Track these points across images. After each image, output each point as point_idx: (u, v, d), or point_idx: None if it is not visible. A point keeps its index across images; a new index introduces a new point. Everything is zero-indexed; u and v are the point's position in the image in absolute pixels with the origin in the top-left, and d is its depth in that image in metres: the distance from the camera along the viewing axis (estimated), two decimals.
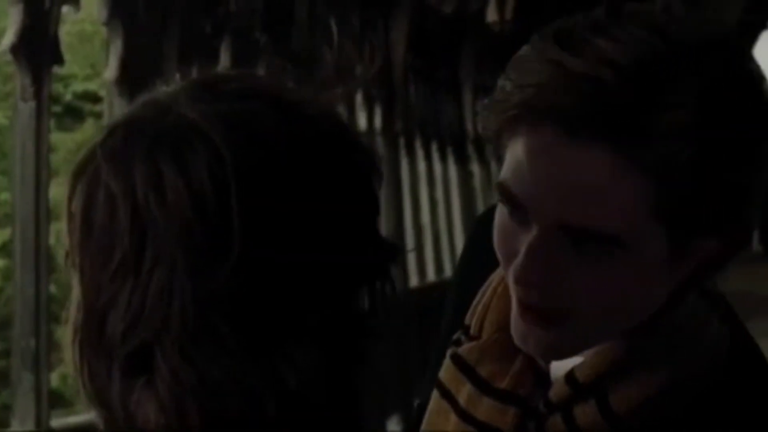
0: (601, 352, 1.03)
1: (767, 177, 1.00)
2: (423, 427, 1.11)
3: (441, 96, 9.61)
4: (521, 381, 1.06)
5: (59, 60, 4.00)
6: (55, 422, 4.19)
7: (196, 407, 0.85)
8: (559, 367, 1.05)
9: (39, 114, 3.89)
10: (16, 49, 3.87)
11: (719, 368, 1.05)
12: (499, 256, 1.02)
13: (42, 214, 3.93)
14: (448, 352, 1.11)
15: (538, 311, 1.00)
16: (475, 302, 1.12)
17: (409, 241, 8.61)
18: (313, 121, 0.89)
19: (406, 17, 8.21)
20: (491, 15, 11.20)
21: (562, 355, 1.04)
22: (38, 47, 3.90)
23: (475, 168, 10.50)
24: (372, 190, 0.91)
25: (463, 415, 1.07)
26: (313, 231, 0.85)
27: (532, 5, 11.53)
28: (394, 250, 0.91)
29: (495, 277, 1.11)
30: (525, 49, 1.00)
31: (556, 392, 1.04)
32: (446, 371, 1.10)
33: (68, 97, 11.58)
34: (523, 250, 0.98)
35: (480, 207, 10.51)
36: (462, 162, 9.94)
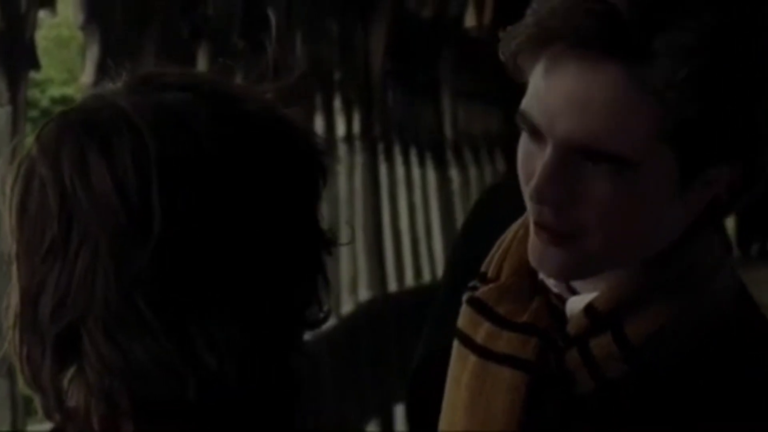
0: (619, 283, 1.07)
1: None
2: (448, 381, 1.14)
3: (419, 101, 9.63)
4: (540, 316, 1.10)
5: (36, 65, 4.00)
6: (31, 428, 4.20)
7: (122, 389, 0.89)
8: (574, 305, 1.09)
9: (15, 119, 3.89)
10: None
11: (728, 311, 1.09)
12: (521, 180, 1.08)
13: None
14: (464, 298, 1.14)
15: (552, 230, 1.05)
16: (492, 252, 1.15)
17: (388, 246, 8.61)
18: (247, 113, 0.93)
19: (384, 22, 8.22)
20: (470, 20, 11.22)
21: (575, 275, 1.08)
22: (14, 52, 3.89)
23: (454, 173, 10.52)
24: (309, 184, 0.95)
25: (482, 352, 1.11)
26: (236, 218, 0.89)
27: (511, 10, 11.57)
28: (328, 242, 0.96)
29: (515, 225, 1.15)
30: None
31: (574, 325, 1.08)
32: (463, 316, 1.14)
33: (45, 102, 11.59)
34: (539, 168, 1.03)
35: (459, 212, 10.52)
36: (440, 167, 9.96)
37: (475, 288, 1.15)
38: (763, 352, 1.10)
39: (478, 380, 1.11)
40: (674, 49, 0.97)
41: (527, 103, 1.07)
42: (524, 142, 1.08)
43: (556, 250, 1.05)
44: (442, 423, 1.16)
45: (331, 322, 7.35)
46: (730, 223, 14.24)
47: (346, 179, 7.91)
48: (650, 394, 1.07)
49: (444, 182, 10.07)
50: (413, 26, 9.23)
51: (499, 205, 1.25)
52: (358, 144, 8.02)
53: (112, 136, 0.89)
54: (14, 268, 0.93)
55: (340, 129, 7.76)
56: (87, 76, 4.27)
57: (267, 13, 6.08)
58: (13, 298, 0.94)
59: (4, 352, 0.90)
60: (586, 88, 1.00)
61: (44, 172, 0.91)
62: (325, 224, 0.97)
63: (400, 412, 8.48)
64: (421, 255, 9.42)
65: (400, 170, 9.08)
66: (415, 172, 9.45)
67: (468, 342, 1.13)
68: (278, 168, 0.93)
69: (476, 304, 1.13)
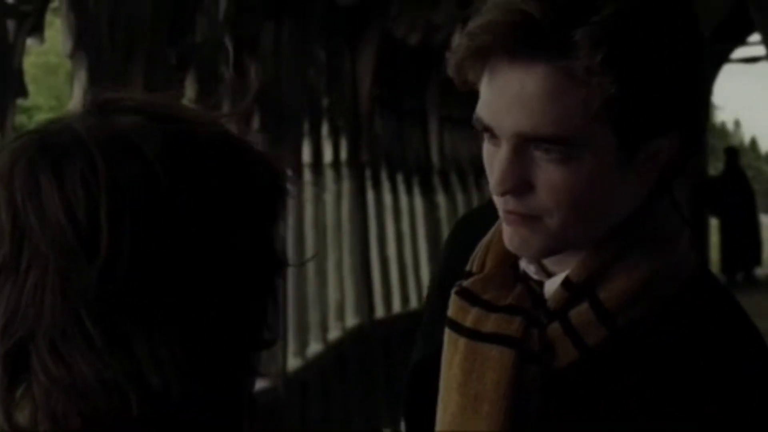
0: (589, 255, 1.19)
1: (692, 76, 1.19)
2: (443, 366, 1.24)
3: (407, 127, 9.65)
4: (522, 299, 1.21)
5: (23, 92, 3.99)
6: None
7: (68, 406, 0.90)
8: (551, 285, 1.21)
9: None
10: None
11: (692, 275, 1.21)
12: (489, 178, 1.20)
13: None
14: (453, 291, 1.25)
15: (518, 213, 1.17)
16: (475, 251, 1.28)
17: (375, 272, 8.61)
18: (200, 138, 0.94)
19: (372, 49, 8.24)
20: None
21: (544, 252, 1.20)
22: (2, 79, 3.88)
23: (441, 199, 10.53)
24: (262, 207, 0.95)
25: (471, 334, 1.22)
26: (185, 240, 0.90)
27: None
28: (281, 264, 0.97)
29: (494, 227, 1.27)
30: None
31: (553, 300, 1.20)
32: (452, 306, 1.24)
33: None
34: (496, 164, 1.17)
35: (445, 237, 10.55)
36: (428, 193, 9.97)
37: (461, 285, 1.25)
38: (727, 310, 1.21)
39: (469, 360, 1.21)
40: (586, 40, 1.12)
41: (479, 109, 1.19)
42: (486, 147, 1.20)
43: (524, 231, 1.18)
44: (439, 405, 1.25)
45: (319, 348, 7.34)
46: (714, 251, 14.14)
47: (333, 206, 7.91)
48: (627, 356, 1.17)
49: (431, 209, 10.08)
50: (400, 53, 9.26)
51: (477, 222, 1.36)
52: (345, 170, 8.02)
53: (63, 159, 0.91)
54: None
55: (328, 155, 7.77)
56: (75, 103, 4.26)
57: (255, 41, 6.10)
58: None
59: None
60: (522, 87, 1.14)
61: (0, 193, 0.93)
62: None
63: None
64: (408, 281, 9.42)
65: (387, 197, 9.09)
66: (403, 198, 9.46)
67: (457, 328, 1.23)
68: (229, 191, 0.93)
69: (464, 294, 1.23)
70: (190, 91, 5.16)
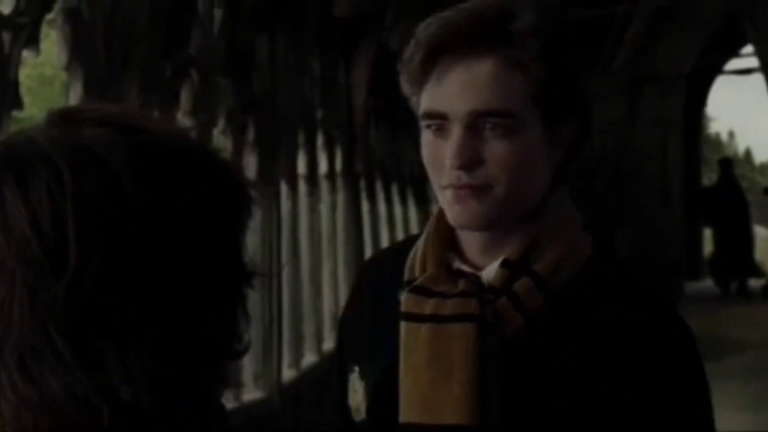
0: (519, 240, 1.44)
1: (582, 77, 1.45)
2: (401, 363, 1.44)
3: (401, 138, 9.66)
4: (469, 287, 1.43)
5: (19, 104, 3.97)
6: None
7: (37, 422, 0.88)
8: (487, 273, 1.45)
9: None
10: None
11: (592, 254, 1.47)
12: (429, 170, 1.43)
13: None
14: (404, 292, 1.45)
15: (470, 186, 1.39)
16: (409, 261, 1.50)
17: None
18: (166, 148, 0.93)
19: (367, 60, 8.26)
20: None
21: (487, 223, 1.42)
22: None
23: (436, 210, 10.55)
24: (229, 217, 0.95)
25: (432, 319, 1.42)
26: (154, 252, 0.89)
27: None
28: (249, 274, 0.96)
29: (420, 241, 1.51)
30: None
31: (497, 279, 1.43)
32: (407, 302, 1.45)
33: None
34: (451, 143, 1.38)
35: None
36: (422, 204, 9.97)
37: (405, 288, 1.47)
38: (629, 277, 1.49)
39: (434, 339, 1.41)
40: (523, 34, 1.39)
41: (431, 103, 1.41)
42: (428, 141, 1.43)
43: (473, 202, 1.39)
44: (404, 385, 1.43)
45: (314, 359, 7.31)
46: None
47: (328, 216, 7.91)
48: (560, 318, 1.42)
49: (426, 219, 10.09)
50: (395, 65, 9.27)
51: (377, 270, 1.61)
52: (340, 181, 8.03)
53: (28, 170, 0.89)
54: None
55: (323, 166, 7.78)
56: None
57: (250, 52, 6.11)
58: None
59: None
60: (476, 74, 1.38)
61: None
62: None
63: None
64: None
65: (382, 207, 9.09)
66: (397, 209, 9.47)
67: (417, 317, 1.43)
68: (196, 202, 0.93)
69: (418, 290, 1.44)
70: (185, 103, 5.16)
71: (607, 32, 11.90)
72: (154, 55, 4.74)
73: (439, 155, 1.42)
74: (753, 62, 12.63)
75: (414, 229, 9.72)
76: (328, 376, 7.62)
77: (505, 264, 1.43)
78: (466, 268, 1.46)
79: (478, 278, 1.45)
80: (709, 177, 18.55)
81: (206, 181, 0.94)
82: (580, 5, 10.29)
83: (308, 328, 7.31)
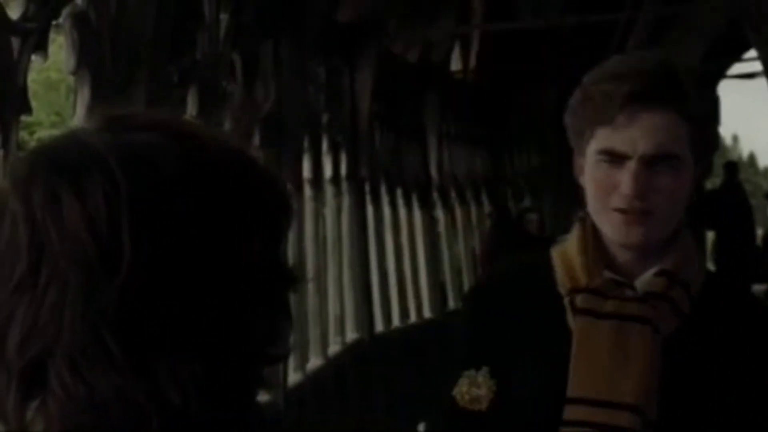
0: (670, 256, 1.76)
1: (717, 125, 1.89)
2: (576, 347, 1.73)
3: (405, 143, 9.69)
4: (637, 295, 1.75)
5: (27, 109, 4.01)
6: None
7: (84, 423, 0.89)
8: (644, 282, 1.76)
9: (7, 162, 3.90)
10: None
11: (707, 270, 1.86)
12: (596, 193, 1.74)
13: None
14: (581, 294, 1.75)
15: (638, 212, 1.71)
16: (561, 275, 1.79)
17: (374, 287, 8.64)
18: (212, 155, 0.94)
19: (371, 66, 8.29)
20: (455, 64, 11.33)
21: (648, 242, 1.73)
22: (7, 96, 3.92)
23: (440, 214, 10.57)
24: (272, 224, 0.96)
25: (614, 316, 1.73)
26: (204, 255, 0.90)
27: (495, 55, 11.67)
28: (291, 280, 0.97)
29: (573, 251, 1.80)
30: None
31: (656, 285, 1.75)
32: (585, 301, 1.75)
33: (33, 144, 11.57)
34: (628, 176, 1.70)
35: (444, 251, 10.56)
36: (426, 208, 10.00)
37: (587, 288, 1.77)
38: (740, 288, 1.93)
39: (616, 333, 1.73)
40: (694, 95, 1.73)
41: (608, 145, 1.72)
42: (601, 170, 1.74)
43: (639, 225, 1.72)
44: (578, 368, 1.73)
45: (319, 362, 7.35)
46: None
47: (333, 220, 7.94)
48: (699, 320, 1.76)
49: (430, 223, 10.11)
50: (399, 70, 9.31)
51: (498, 288, 1.89)
52: (345, 185, 8.06)
53: (84, 175, 0.90)
54: None
55: (328, 171, 7.81)
56: (78, 119, 4.30)
57: (257, 58, 6.15)
58: None
59: None
60: (655, 121, 1.71)
61: (16, 208, 0.91)
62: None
63: None
64: (407, 295, 9.45)
65: (386, 211, 9.12)
66: (402, 213, 9.49)
67: (594, 314, 1.74)
68: (240, 208, 0.94)
69: (595, 291, 1.75)
70: (191, 108, 5.20)
71: (610, 38, 11.92)
72: (161, 60, 4.78)
73: (611, 182, 1.72)
74: (756, 66, 12.64)
75: (418, 233, 9.74)
76: (332, 379, 7.66)
77: (662, 273, 1.75)
78: (619, 278, 1.77)
79: (633, 286, 1.76)
80: (711, 181, 18.53)
81: (250, 187, 0.95)
82: (583, 11, 10.33)
83: (313, 332, 7.35)
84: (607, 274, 1.75)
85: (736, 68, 15.83)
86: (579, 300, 1.75)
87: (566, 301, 1.77)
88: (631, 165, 1.70)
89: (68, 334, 0.88)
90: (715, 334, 1.77)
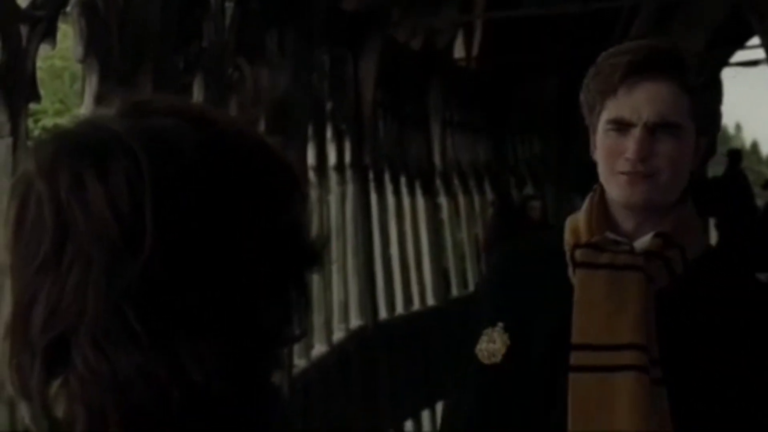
0: (669, 220, 1.89)
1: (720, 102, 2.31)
2: (576, 297, 1.87)
3: (409, 131, 9.71)
4: (632, 249, 1.87)
5: (36, 97, 4.04)
6: None
7: (106, 400, 0.91)
8: (640, 243, 1.88)
9: (16, 150, 3.93)
10: None
11: (707, 242, 1.99)
12: (605, 159, 1.88)
13: None
14: (580, 248, 1.89)
15: (642, 174, 1.85)
16: (567, 234, 1.93)
17: (378, 274, 8.67)
18: (230, 139, 0.97)
19: (374, 54, 8.32)
20: (458, 52, 11.34)
21: (651, 202, 1.87)
22: (15, 84, 3.95)
23: (443, 201, 10.60)
24: (289, 205, 0.98)
25: (608, 266, 1.87)
26: (222, 236, 0.93)
27: (498, 43, 11.68)
28: (311, 261, 0.99)
29: (580, 215, 1.94)
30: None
31: (652, 245, 1.88)
32: (583, 255, 1.89)
33: (38, 132, 11.60)
34: (632, 141, 1.84)
35: (448, 239, 10.59)
36: (430, 195, 10.03)
37: (588, 242, 1.91)
38: (737, 262, 2.05)
39: (610, 282, 1.87)
40: (695, 68, 1.87)
41: (614, 114, 1.87)
42: (609, 137, 1.88)
43: (642, 185, 1.86)
44: (580, 315, 1.86)
45: (323, 349, 7.39)
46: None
47: (337, 207, 7.98)
48: (693, 281, 1.89)
49: (433, 210, 10.14)
50: (403, 58, 9.33)
51: (514, 260, 2.04)
52: (349, 173, 8.09)
53: (107, 158, 0.92)
54: (8, 281, 0.95)
55: (332, 158, 7.84)
56: (86, 107, 4.34)
57: (262, 46, 6.18)
58: (5, 310, 0.95)
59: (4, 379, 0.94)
60: (656, 90, 1.86)
61: (41, 189, 0.93)
62: (317, 247, 1.00)
63: None
64: (411, 282, 9.48)
65: (390, 199, 9.15)
66: (405, 200, 9.52)
67: (591, 266, 1.89)
68: (260, 190, 0.96)
69: (592, 246, 1.90)
70: (197, 96, 5.23)
71: (613, 26, 11.94)
72: (168, 48, 4.82)
73: (618, 149, 1.87)
74: (759, 54, 12.64)
75: (422, 220, 9.77)
76: (337, 366, 7.69)
77: (659, 235, 1.89)
78: (619, 238, 1.91)
79: (632, 246, 1.90)
80: (714, 170, 18.54)
81: (267, 172, 0.97)
82: (586, 0, 10.34)
83: (317, 319, 7.39)
84: (609, 234, 1.90)
85: (740, 56, 15.82)
86: (578, 254, 1.90)
87: (568, 256, 1.91)
88: (636, 132, 1.85)
89: (91, 312, 0.90)
90: (706, 295, 1.89)
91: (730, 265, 2.00)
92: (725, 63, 15.71)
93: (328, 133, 7.74)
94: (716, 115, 2.01)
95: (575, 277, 1.90)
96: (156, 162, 0.92)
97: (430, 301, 9.79)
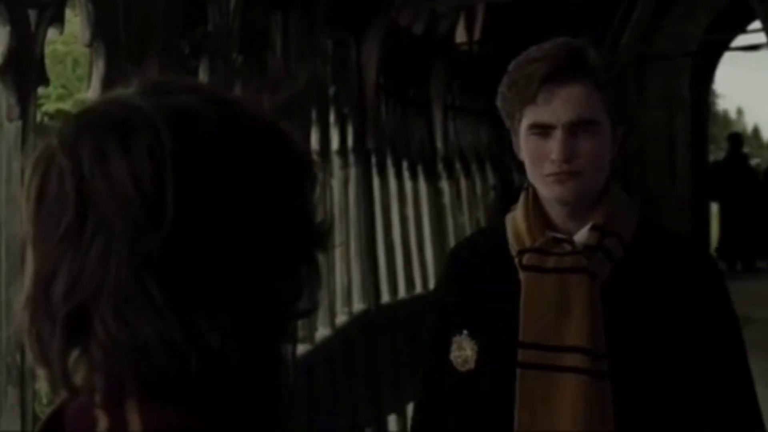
0: (600, 213, 2.00)
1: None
2: (524, 299, 1.97)
3: (411, 115, 9.74)
4: (575, 248, 1.98)
5: (45, 81, 4.07)
6: None
7: (126, 366, 0.94)
8: (578, 237, 1.99)
9: (25, 133, 3.96)
10: (2, 71, 3.94)
11: (638, 222, 2.05)
12: (532, 163, 1.99)
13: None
14: (525, 257, 2.00)
15: (569, 174, 1.96)
16: (511, 238, 2.03)
17: (381, 257, 8.71)
18: (247, 118, 1.00)
19: (377, 39, 8.34)
20: (460, 36, 11.35)
21: (579, 197, 1.98)
22: (24, 68, 3.97)
23: (445, 185, 10.63)
24: (301, 185, 1.02)
25: (555, 271, 1.98)
26: (240, 209, 0.96)
27: (499, 27, 11.69)
28: (321, 240, 1.03)
29: (516, 217, 2.05)
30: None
31: (590, 238, 1.99)
32: (530, 259, 1.99)
33: (40, 117, 11.58)
34: (555, 144, 1.95)
35: (449, 222, 10.63)
36: (432, 179, 10.06)
37: (531, 248, 2.01)
38: (666, 232, 2.10)
39: (557, 285, 1.96)
40: (600, 67, 1.99)
41: (539, 116, 1.98)
42: (533, 142, 1.99)
43: (570, 184, 1.96)
44: (527, 317, 1.95)
45: (326, 332, 7.43)
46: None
47: (340, 192, 8.01)
48: (634, 265, 2.00)
49: (435, 194, 10.17)
50: (405, 42, 9.35)
51: (463, 261, 2.13)
52: (351, 157, 8.12)
53: (130, 132, 0.94)
54: (29, 252, 0.98)
55: (335, 143, 7.87)
56: (93, 91, 4.37)
57: (265, 30, 6.20)
58: (27, 281, 0.98)
59: (12, 360, 0.95)
60: (570, 93, 1.97)
61: (64, 163, 0.96)
62: (324, 226, 1.04)
63: (393, 421, 8.55)
64: (413, 266, 9.52)
65: (392, 183, 9.18)
66: (407, 184, 9.55)
67: (539, 269, 1.98)
68: (272, 169, 0.99)
69: (538, 251, 2.00)
70: (203, 79, 5.27)
71: (615, 10, 11.94)
72: (173, 32, 4.84)
73: (543, 152, 1.98)
74: (761, 38, 12.65)
75: (424, 204, 9.80)
76: (340, 349, 7.73)
77: (594, 228, 2.00)
78: (559, 236, 2.01)
79: (573, 241, 2.00)
80: (716, 155, 18.57)
81: (280, 150, 1.01)
82: None
83: (321, 302, 7.42)
84: (549, 233, 2.00)
85: (741, 40, 15.81)
86: (525, 259, 2.00)
87: (516, 261, 2.01)
88: (557, 134, 1.96)
89: (113, 281, 0.93)
90: (645, 269, 2.00)
91: (660, 233, 2.07)
92: (727, 47, 15.71)
93: (331, 118, 7.76)
94: (626, 106, 2.24)
95: (523, 279, 1.99)
96: (177, 137, 0.95)
97: (432, 284, 9.83)
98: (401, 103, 9.42)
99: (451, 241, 10.59)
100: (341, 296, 7.92)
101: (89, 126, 0.97)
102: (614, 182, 2.06)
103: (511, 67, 2.02)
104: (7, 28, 3.93)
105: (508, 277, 2.01)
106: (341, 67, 7.98)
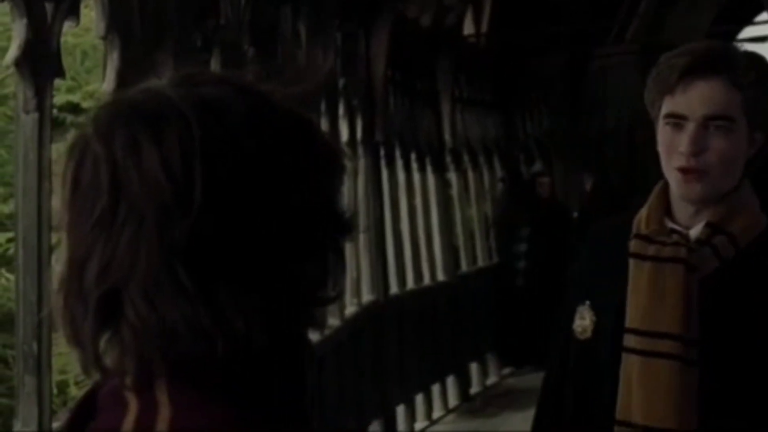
0: (718, 211, 2.04)
1: None
2: (629, 284, 2.07)
3: (419, 107, 9.76)
4: (680, 240, 2.07)
5: (61, 73, 4.12)
6: (57, 425, 4.27)
7: (155, 349, 0.97)
8: (693, 232, 2.06)
9: (42, 125, 4.01)
10: (19, 63, 3.99)
11: (764, 229, 2.09)
12: (664, 154, 2.05)
13: (44, 223, 4.02)
14: (633, 239, 2.09)
15: (695, 171, 2.01)
16: (635, 223, 2.11)
17: (389, 249, 8.74)
18: (275, 108, 1.03)
19: (385, 31, 8.36)
20: (468, 28, 11.37)
21: (704, 198, 2.04)
22: (41, 61, 4.02)
23: (453, 177, 10.65)
24: (327, 174, 1.05)
25: (654, 259, 2.06)
26: (266, 198, 0.99)
27: (507, 19, 11.71)
28: (346, 229, 1.06)
29: (645, 206, 2.12)
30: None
31: (701, 234, 2.05)
32: (635, 246, 2.09)
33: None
34: (686, 136, 2.00)
35: (457, 214, 10.65)
36: (440, 171, 10.08)
37: (638, 234, 2.09)
38: None
39: (653, 273, 2.05)
40: (744, 66, 2.03)
41: (671, 109, 2.04)
42: (666, 133, 2.06)
43: (696, 183, 2.02)
44: (631, 303, 2.06)
45: (336, 323, 7.46)
46: None
47: (349, 184, 8.03)
48: (746, 267, 2.05)
49: (443, 186, 10.20)
50: (413, 35, 9.37)
51: (600, 238, 2.28)
52: (360, 149, 8.15)
53: (162, 122, 0.97)
54: (63, 237, 1.01)
55: (344, 134, 7.90)
56: (108, 83, 4.41)
57: (276, 23, 6.24)
58: (61, 266, 1.01)
59: (28, 349, 0.99)
60: (708, 88, 2.01)
61: (98, 150, 0.98)
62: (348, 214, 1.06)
63: (401, 411, 8.59)
64: (421, 257, 9.55)
65: (401, 175, 9.21)
66: (416, 176, 9.58)
67: (640, 257, 2.08)
68: (299, 158, 1.01)
69: (642, 238, 2.08)
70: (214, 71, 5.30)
71: (621, 2, 11.96)
72: (186, 25, 4.88)
73: (674, 143, 2.03)
74: None
75: (432, 195, 9.83)
76: (349, 340, 7.77)
77: (708, 225, 2.06)
78: (677, 227, 2.09)
79: (687, 235, 2.07)
80: None
81: (307, 140, 1.04)
82: None
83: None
84: (668, 223, 2.09)
85: (748, 31, 15.81)
86: (632, 245, 2.11)
87: (629, 245, 2.10)
88: (690, 126, 2.01)
89: (143, 266, 0.96)
90: (753, 279, 2.05)
91: None
92: (734, 38, 15.70)
93: (340, 110, 7.79)
94: None
95: (630, 265, 2.10)
96: (207, 127, 0.99)
97: (440, 276, 9.86)
98: (409, 96, 9.44)
99: (459, 233, 10.63)
100: (350, 288, 7.95)
101: (122, 115, 1.01)
102: (747, 185, 2.11)
103: (660, 59, 2.09)
104: (24, 21, 3.98)
105: (624, 261, 2.11)
106: (350, 60, 8.00)
